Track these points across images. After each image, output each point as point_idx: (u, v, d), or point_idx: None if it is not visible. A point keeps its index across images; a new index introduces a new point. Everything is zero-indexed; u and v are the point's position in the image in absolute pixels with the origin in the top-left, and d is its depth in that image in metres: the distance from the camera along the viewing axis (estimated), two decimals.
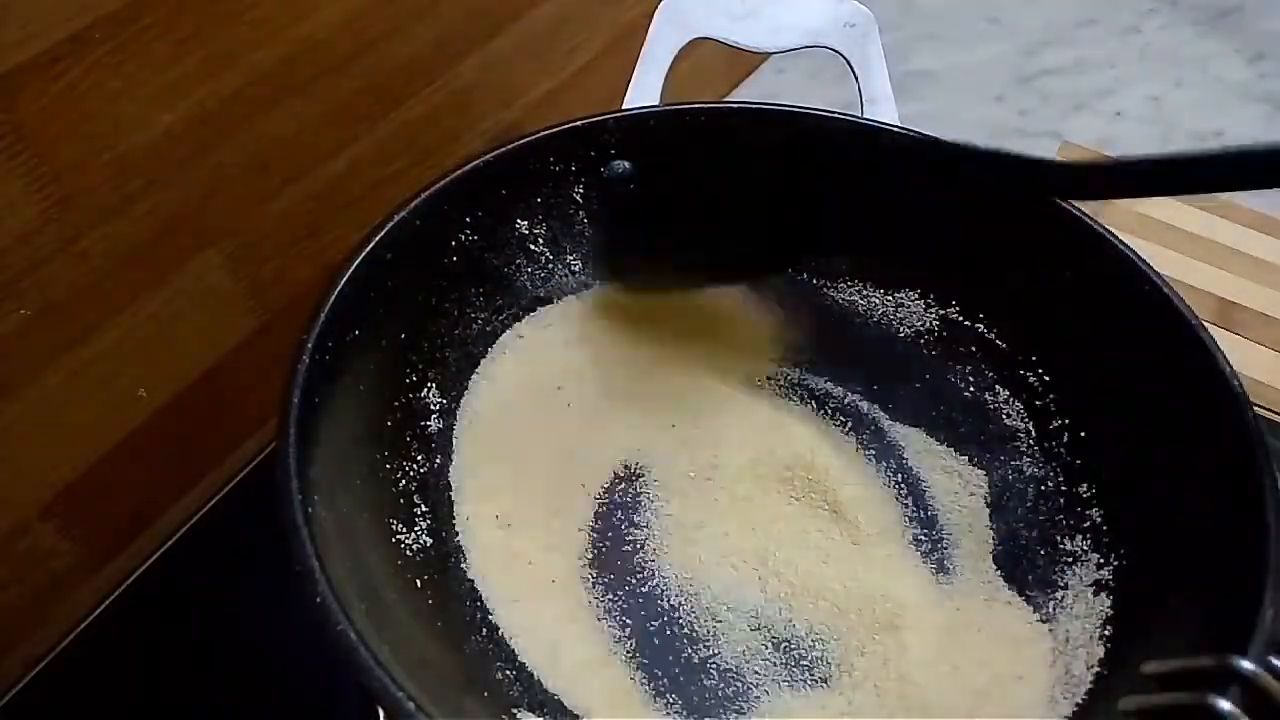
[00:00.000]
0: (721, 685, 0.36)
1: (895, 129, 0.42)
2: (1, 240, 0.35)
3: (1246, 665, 0.27)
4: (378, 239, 0.36)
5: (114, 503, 0.43)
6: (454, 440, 0.40)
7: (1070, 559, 0.38)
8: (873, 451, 0.43)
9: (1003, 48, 0.72)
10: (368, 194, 0.48)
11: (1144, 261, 0.37)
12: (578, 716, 0.34)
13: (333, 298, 0.34)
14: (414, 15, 0.46)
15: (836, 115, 0.42)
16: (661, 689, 0.36)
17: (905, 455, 0.43)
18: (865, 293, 0.45)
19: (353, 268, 0.35)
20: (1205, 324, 0.35)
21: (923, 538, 0.41)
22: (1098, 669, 0.34)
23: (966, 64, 0.71)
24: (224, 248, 0.43)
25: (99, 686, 0.42)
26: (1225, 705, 0.27)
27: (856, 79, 0.46)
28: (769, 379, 0.45)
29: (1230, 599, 0.30)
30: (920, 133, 0.41)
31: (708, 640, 0.37)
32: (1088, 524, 0.38)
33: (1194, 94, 0.68)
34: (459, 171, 0.39)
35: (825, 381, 0.46)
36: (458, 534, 0.38)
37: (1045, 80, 0.70)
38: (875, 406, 0.45)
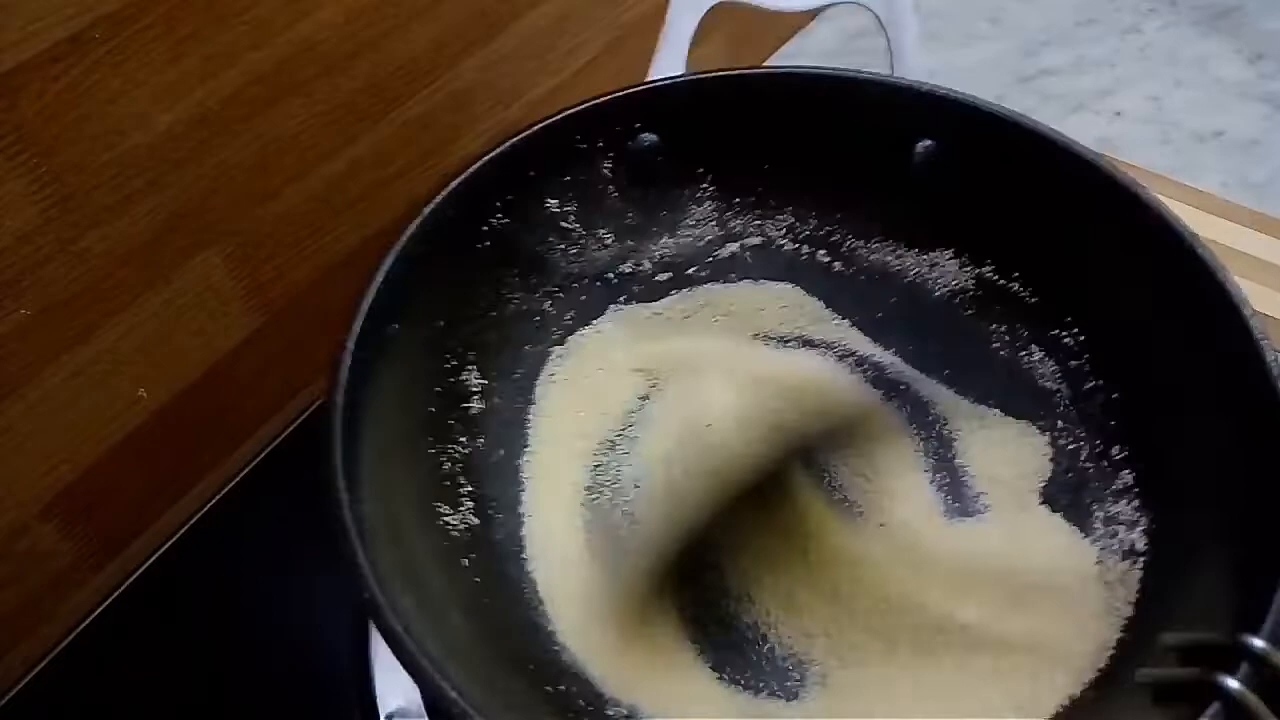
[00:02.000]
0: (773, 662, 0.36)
1: (925, 87, 0.42)
2: (1, 240, 0.35)
3: (1258, 643, 0.27)
4: (410, 233, 0.37)
5: (114, 503, 0.43)
6: (527, 427, 0.42)
7: (1102, 522, 0.38)
8: (905, 412, 0.43)
9: (1003, 48, 0.72)
10: (368, 194, 0.48)
11: (1181, 223, 0.36)
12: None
13: (370, 297, 0.35)
14: (414, 15, 0.46)
15: (866, 76, 0.42)
16: (721, 673, 0.36)
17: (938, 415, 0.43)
18: (899, 252, 0.45)
19: (388, 265, 0.36)
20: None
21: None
22: (1121, 635, 0.34)
23: (966, 64, 0.71)
24: (224, 248, 0.43)
25: (99, 686, 0.42)
26: (1233, 684, 0.26)
27: (887, 37, 0.45)
28: (800, 339, 0.45)
29: (1250, 573, 0.29)
30: (953, 91, 0.41)
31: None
32: (1120, 486, 0.38)
33: (1194, 94, 0.68)
34: (487, 156, 0.39)
35: (858, 340, 0.45)
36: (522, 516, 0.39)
37: (1045, 80, 0.70)
38: (909, 366, 0.44)
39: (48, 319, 0.38)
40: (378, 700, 0.38)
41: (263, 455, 0.48)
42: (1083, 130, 0.65)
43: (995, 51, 0.72)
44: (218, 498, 0.47)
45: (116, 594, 0.44)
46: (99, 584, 0.44)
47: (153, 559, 0.45)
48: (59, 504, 0.41)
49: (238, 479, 0.47)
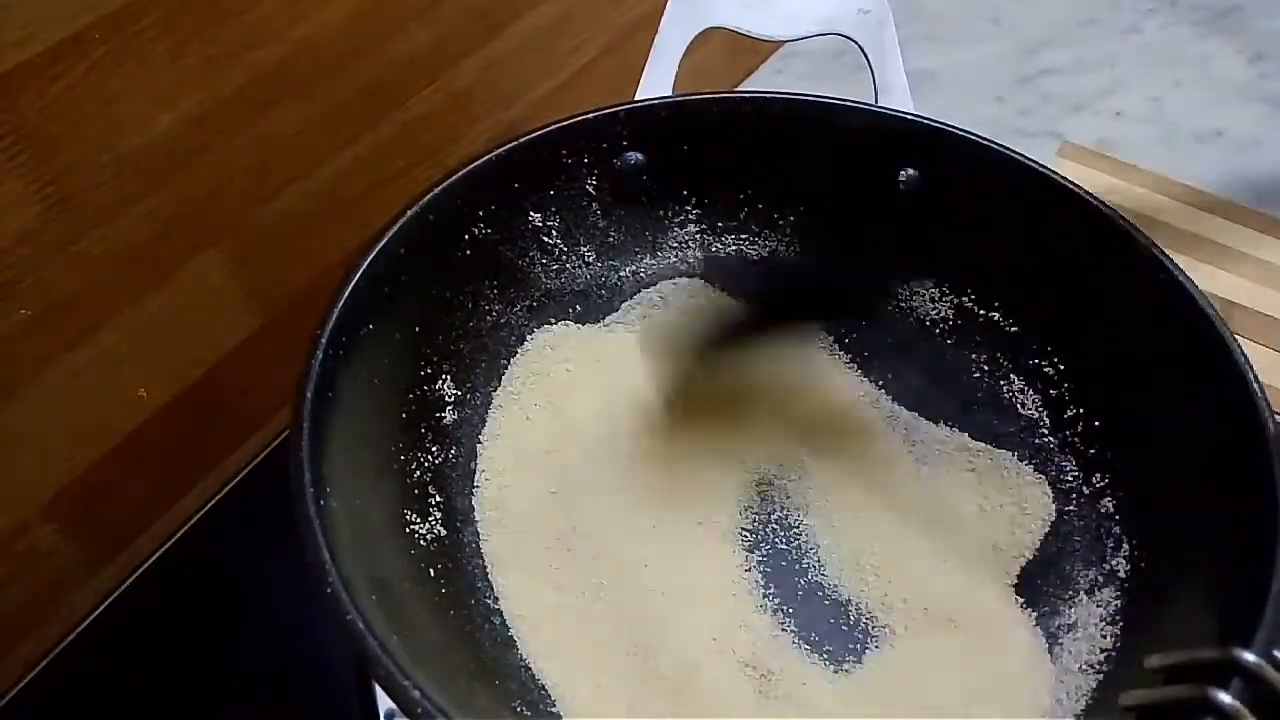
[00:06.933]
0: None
1: (909, 117, 0.42)
2: (1, 240, 0.35)
3: (1249, 657, 0.27)
4: (391, 234, 0.37)
5: (114, 503, 0.43)
6: (480, 434, 0.41)
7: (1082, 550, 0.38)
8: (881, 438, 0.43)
9: (1003, 48, 0.72)
10: (368, 194, 0.48)
11: (1161, 251, 0.37)
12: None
13: (346, 292, 0.35)
14: (414, 15, 0.46)
15: (850, 104, 0.42)
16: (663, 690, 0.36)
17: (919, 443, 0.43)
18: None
19: (366, 262, 0.36)
20: None
21: None
22: (1104, 662, 0.34)
23: (966, 64, 0.71)
24: (224, 248, 0.43)
25: (99, 686, 0.42)
26: (1226, 698, 0.26)
27: (871, 67, 0.45)
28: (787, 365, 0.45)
29: (1236, 590, 0.30)
30: (935, 120, 0.41)
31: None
32: (1101, 513, 0.38)
33: (1194, 94, 0.68)
34: (471, 165, 0.39)
35: (841, 368, 0.45)
36: (476, 522, 0.39)
37: (1045, 80, 0.70)
38: (888, 395, 0.45)
39: (48, 319, 0.38)
40: (377, 700, 0.38)
41: (262, 455, 0.48)
42: (1083, 130, 0.65)
43: (995, 51, 0.72)
44: (218, 498, 0.47)
45: (116, 594, 0.44)
46: (99, 584, 0.44)
47: (153, 559, 0.45)
48: (59, 504, 0.41)
49: (238, 479, 0.47)
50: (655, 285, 0.46)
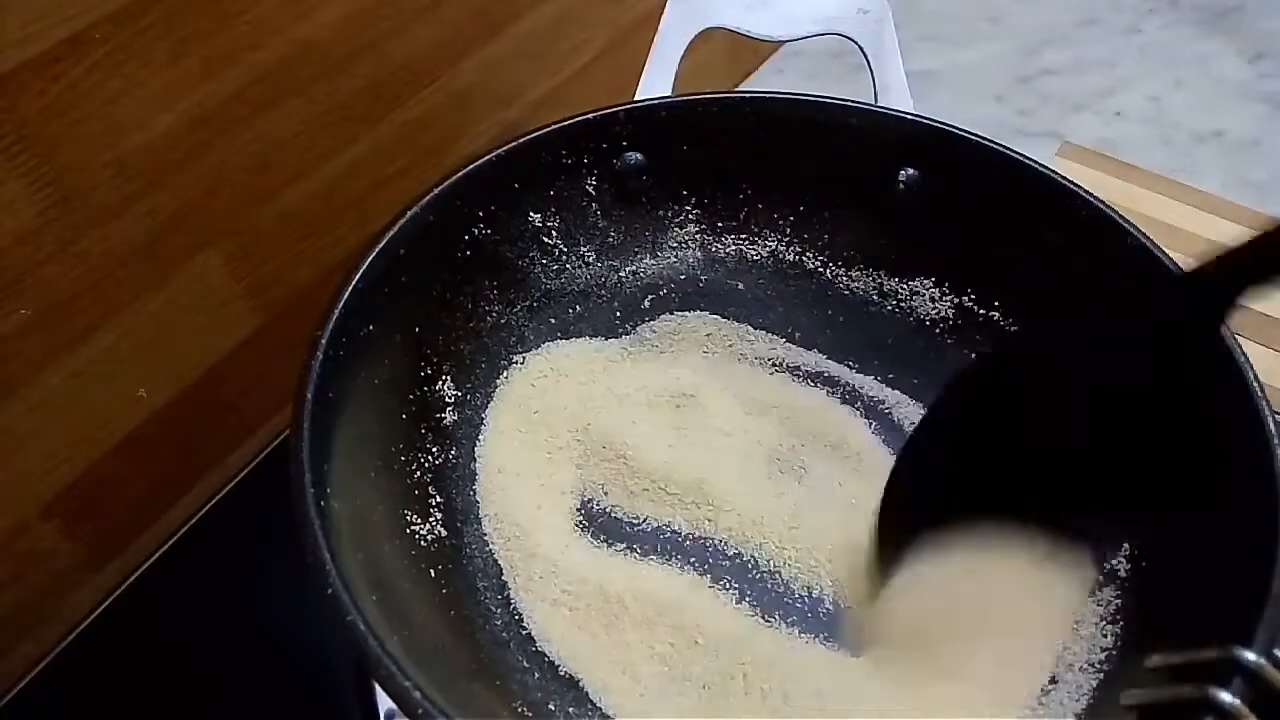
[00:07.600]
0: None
1: (908, 116, 0.42)
2: (1, 240, 0.35)
3: (1250, 657, 0.27)
4: (391, 234, 0.37)
5: (114, 503, 0.43)
6: (480, 434, 0.41)
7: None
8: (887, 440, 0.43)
9: (1003, 48, 0.72)
10: (368, 194, 0.48)
11: (1161, 251, 0.37)
12: (594, 702, 0.35)
13: (346, 293, 0.35)
14: (414, 16, 0.46)
15: (850, 103, 0.42)
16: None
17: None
18: (880, 280, 0.45)
19: (366, 263, 0.36)
20: None
21: None
22: (1104, 661, 0.34)
23: (966, 64, 0.71)
24: (224, 248, 0.43)
25: (99, 686, 0.42)
26: (1226, 698, 0.26)
27: (870, 67, 0.45)
28: (787, 367, 0.45)
29: (1236, 590, 0.30)
30: (935, 120, 0.41)
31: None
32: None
33: (1194, 94, 0.68)
34: (472, 166, 0.40)
35: (841, 368, 0.45)
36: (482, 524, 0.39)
37: (1045, 80, 0.70)
38: (891, 394, 0.45)
39: (48, 319, 0.38)
40: (377, 700, 0.38)
41: (262, 455, 0.48)
42: (1083, 130, 0.65)
43: (995, 51, 0.72)
44: (218, 498, 0.47)
45: (116, 594, 0.44)
46: (99, 584, 0.44)
47: (153, 559, 0.45)
48: (59, 504, 0.41)
49: (238, 479, 0.47)
50: (657, 291, 0.46)
